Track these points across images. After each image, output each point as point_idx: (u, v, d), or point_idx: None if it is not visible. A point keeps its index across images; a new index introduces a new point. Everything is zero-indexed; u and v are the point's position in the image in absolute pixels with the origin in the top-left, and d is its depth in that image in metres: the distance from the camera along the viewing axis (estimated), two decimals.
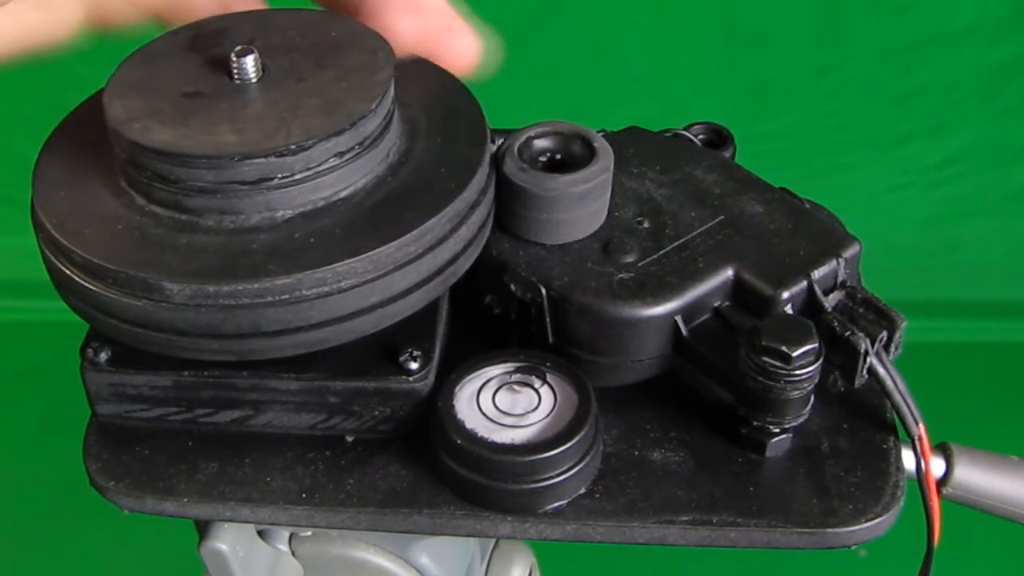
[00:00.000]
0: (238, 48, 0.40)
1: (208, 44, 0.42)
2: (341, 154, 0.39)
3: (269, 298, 0.37)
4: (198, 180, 0.38)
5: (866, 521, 0.40)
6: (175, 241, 0.38)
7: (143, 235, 0.38)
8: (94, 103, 0.44)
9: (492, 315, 0.43)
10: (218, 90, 0.40)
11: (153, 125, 0.38)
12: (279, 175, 0.38)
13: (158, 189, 0.39)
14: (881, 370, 0.41)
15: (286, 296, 0.37)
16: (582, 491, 0.41)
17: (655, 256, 0.42)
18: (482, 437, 0.40)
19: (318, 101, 0.39)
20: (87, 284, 0.38)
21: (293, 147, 0.37)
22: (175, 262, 0.37)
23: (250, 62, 0.40)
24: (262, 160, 0.37)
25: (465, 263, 0.41)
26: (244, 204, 0.38)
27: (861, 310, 0.42)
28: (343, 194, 0.39)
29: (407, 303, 0.39)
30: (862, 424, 0.43)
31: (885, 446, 0.42)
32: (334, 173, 0.39)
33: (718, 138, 0.50)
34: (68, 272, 0.39)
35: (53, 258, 0.39)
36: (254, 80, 0.40)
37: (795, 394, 0.39)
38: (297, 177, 0.38)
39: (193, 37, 0.42)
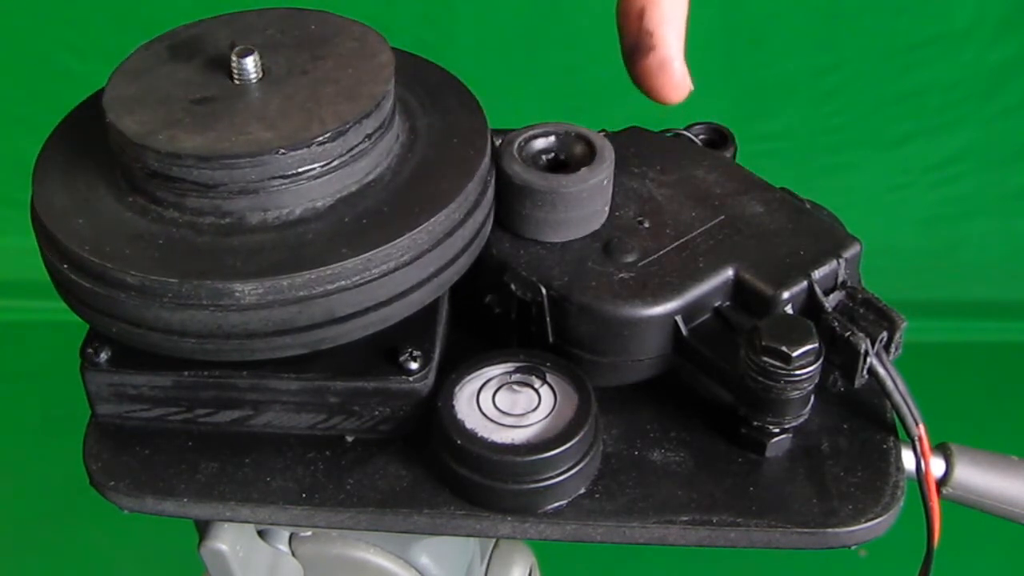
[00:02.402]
0: (238, 49, 0.40)
1: (191, 51, 0.42)
2: (369, 136, 0.40)
3: (343, 282, 0.37)
4: (239, 180, 0.38)
5: (866, 521, 0.40)
6: (225, 245, 0.38)
7: (190, 245, 0.38)
8: (87, 109, 0.44)
9: (492, 315, 0.43)
10: (226, 93, 0.40)
11: (178, 134, 0.38)
12: (319, 164, 0.38)
13: (194, 197, 0.38)
14: (881, 370, 0.41)
15: (357, 278, 0.38)
16: (582, 491, 0.41)
17: (655, 256, 0.42)
18: (482, 437, 0.40)
19: (333, 89, 0.40)
20: (140, 304, 0.38)
21: (331, 134, 0.38)
22: (236, 264, 0.37)
23: (251, 62, 0.40)
24: (305, 150, 0.38)
25: (489, 225, 0.42)
26: (286, 198, 0.39)
27: (861, 310, 0.42)
28: (373, 175, 0.40)
29: (456, 269, 0.41)
30: (862, 424, 0.43)
31: (885, 446, 0.42)
32: (365, 156, 0.40)
33: (719, 138, 0.50)
34: (114, 296, 0.38)
35: (92, 286, 0.38)
36: (257, 79, 0.40)
37: (795, 394, 0.39)
38: (335, 164, 0.39)
39: (170, 47, 0.42)
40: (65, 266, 0.39)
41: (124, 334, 0.39)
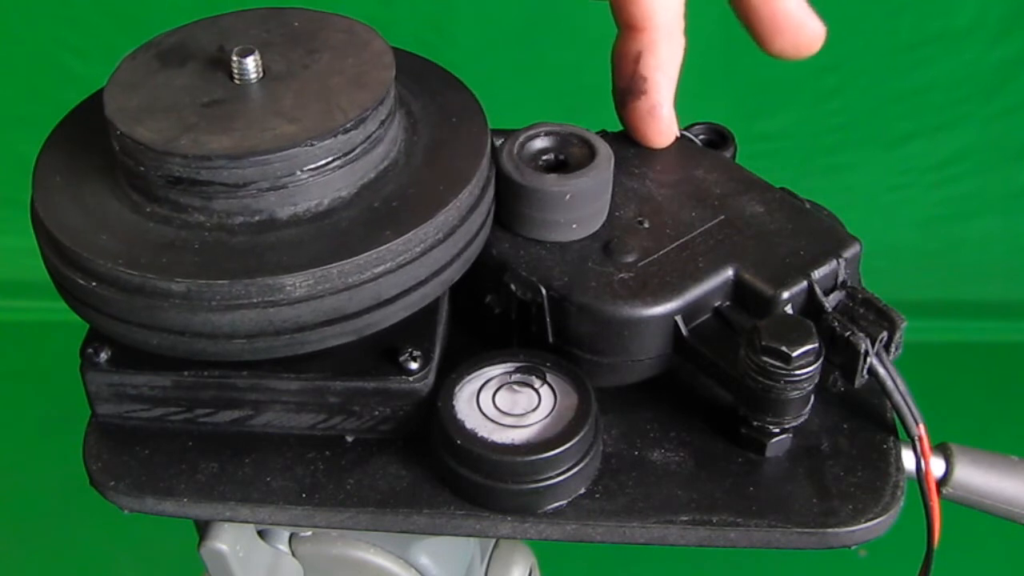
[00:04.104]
0: (238, 49, 0.40)
1: (180, 58, 0.42)
2: (383, 121, 0.40)
3: (388, 264, 0.38)
4: (270, 176, 0.38)
5: (866, 521, 0.40)
6: (263, 242, 0.38)
7: (227, 247, 0.38)
8: (82, 114, 0.43)
9: (492, 315, 0.43)
10: (232, 94, 0.40)
11: (200, 137, 0.38)
12: (344, 152, 0.39)
13: (222, 199, 0.38)
14: (881, 370, 0.41)
15: (401, 258, 0.38)
16: (582, 491, 0.41)
17: (655, 256, 0.42)
18: (482, 437, 0.40)
19: (341, 79, 0.41)
20: (187, 311, 0.37)
21: (354, 121, 0.39)
22: (281, 259, 0.38)
23: (252, 62, 0.40)
24: (332, 140, 0.38)
25: (493, 201, 0.43)
26: (314, 190, 0.39)
27: (861, 310, 0.42)
28: (388, 161, 0.41)
29: (477, 244, 0.42)
30: (862, 424, 0.43)
31: (885, 446, 0.42)
32: (381, 142, 0.40)
33: (719, 138, 0.50)
34: (157, 306, 0.38)
35: (127, 300, 0.38)
36: (258, 78, 0.40)
37: (795, 394, 0.39)
38: (357, 151, 0.39)
39: (158, 55, 0.42)
40: (94, 283, 0.38)
41: (167, 343, 0.39)
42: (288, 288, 0.37)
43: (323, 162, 0.39)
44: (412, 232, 0.38)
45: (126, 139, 0.39)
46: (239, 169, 0.38)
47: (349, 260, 0.37)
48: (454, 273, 0.41)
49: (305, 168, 0.38)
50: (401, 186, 0.40)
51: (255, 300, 0.37)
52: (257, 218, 0.39)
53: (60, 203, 0.40)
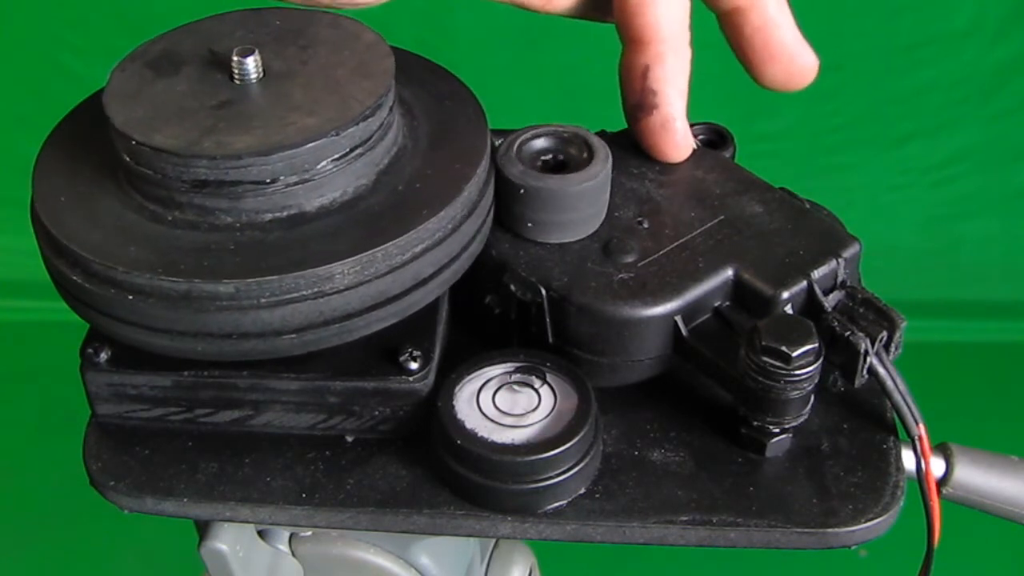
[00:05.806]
0: (238, 50, 0.40)
1: (172, 65, 0.42)
2: (391, 108, 0.41)
3: (427, 242, 0.39)
4: (298, 169, 0.38)
5: (866, 521, 0.40)
6: (300, 235, 0.38)
7: (265, 244, 0.38)
8: (80, 117, 0.43)
9: (492, 315, 0.43)
10: (239, 95, 0.40)
11: (224, 138, 0.38)
12: (364, 141, 0.40)
13: (251, 197, 0.38)
14: (881, 370, 0.41)
15: (438, 235, 0.39)
16: (582, 491, 0.41)
17: (655, 256, 0.42)
18: (482, 437, 0.40)
19: (345, 71, 0.41)
20: (237, 311, 0.37)
21: (371, 109, 0.39)
22: (324, 248, 0.38)
23: (253, 62, 0.40)
24: (354, 128, 0.39)
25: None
26: (339, 180, 0.39)
27: (861, 310, 0.42)
28: (397, 147, 0.42)
29: (491, 216, 0.43)
30: (862, 424, 0.43)
31: (885, 446, 0.42)
32: (390, 129, 0.41)
33: (718, 138, 0.50)
34: (205, 308, 0.37)
35: (167, 310, 0.38)
36: (259, 78, 0.40)
37: (795, 394, 0.39)
38: (373, 139, 0.40)
39: (148, 64, 0.42)
40: (131, 297, 0.38)
41: (213, 348, 0.39)
42: (337, 276, 0.37)
43: (347, 151, 0.39)
44: (445, 209, 0.39)
45: (144, 148, 0.38)
46: (268, 165, 0.38)
47: (392, 242, 0.38)
48: (478, 246, 0.42)
49: (331, 158, 0.39)
50: (418, 168, 0.41)
51: (305, 292, 0.37)
52: (286, 213, 0.39)
53: (68, 212, 0.40)
